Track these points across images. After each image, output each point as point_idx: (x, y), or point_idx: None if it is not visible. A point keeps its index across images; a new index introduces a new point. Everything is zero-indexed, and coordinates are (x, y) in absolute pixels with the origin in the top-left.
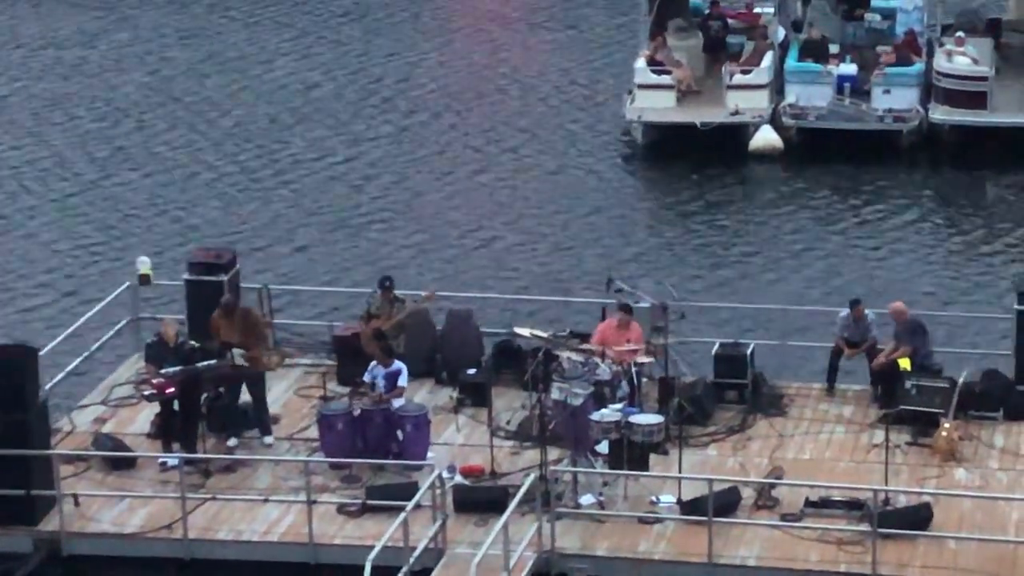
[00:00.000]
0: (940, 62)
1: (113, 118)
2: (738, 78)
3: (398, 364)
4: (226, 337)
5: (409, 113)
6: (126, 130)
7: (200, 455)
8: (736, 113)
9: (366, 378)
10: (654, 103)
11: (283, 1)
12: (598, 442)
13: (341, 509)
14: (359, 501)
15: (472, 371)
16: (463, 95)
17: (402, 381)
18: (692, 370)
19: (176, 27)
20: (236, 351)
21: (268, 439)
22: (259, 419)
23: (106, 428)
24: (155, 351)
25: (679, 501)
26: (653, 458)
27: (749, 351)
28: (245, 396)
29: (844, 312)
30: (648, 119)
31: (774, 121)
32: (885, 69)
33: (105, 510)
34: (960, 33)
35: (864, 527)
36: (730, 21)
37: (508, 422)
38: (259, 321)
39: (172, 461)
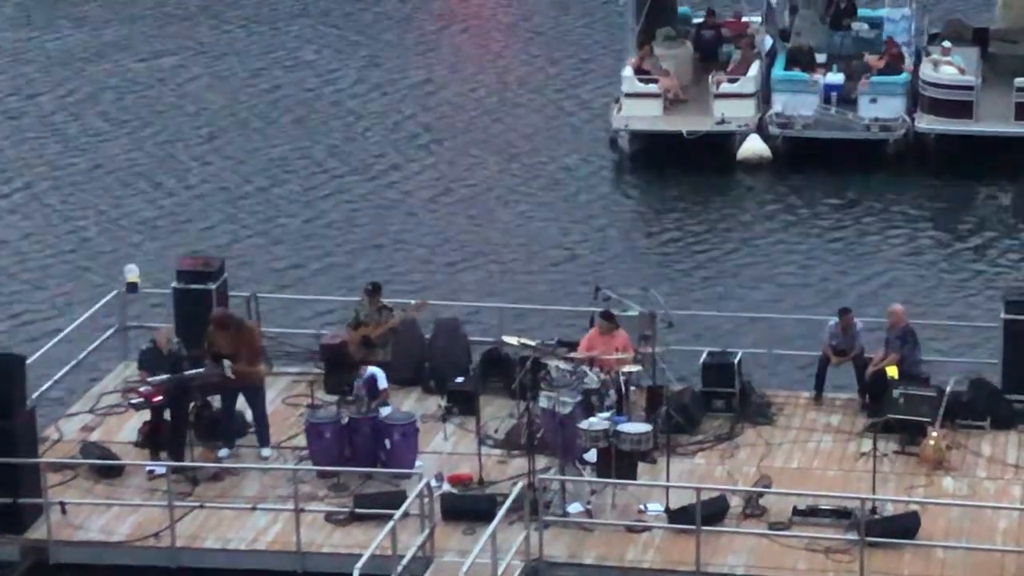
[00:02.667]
0: (926, 71)
1: (102, 126)
2: (725, 87)
3: (371, 369)
4: (220, 348)
5: (397, 123)
6: (115, 137)
7: (188, 463)
8: (722, 122)
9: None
10: (641, 112)
11: (272, 11)
12: (586, 450)
13: (329, 517)
14: (347, 509)
15: (460, 379)
16: (451, 104)
17: (381, 383)
18: (680, 379)
19: (167, 37)
20: (226, 362)
21: (266, 451)
22: (258, 431)
23: (93, 436)
24: (149, 358)
25: (667, 510)
26: (641, 467)
27: (737, 360)
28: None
29: (832, 320)
30: (635, 128)
31: (760, 130)
32: (871, 78)
33: (93, 518)
34: (947, 42)
35: (852, 536)
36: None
37: (496, 430)
38: (254, 333)
39: (160, 469)
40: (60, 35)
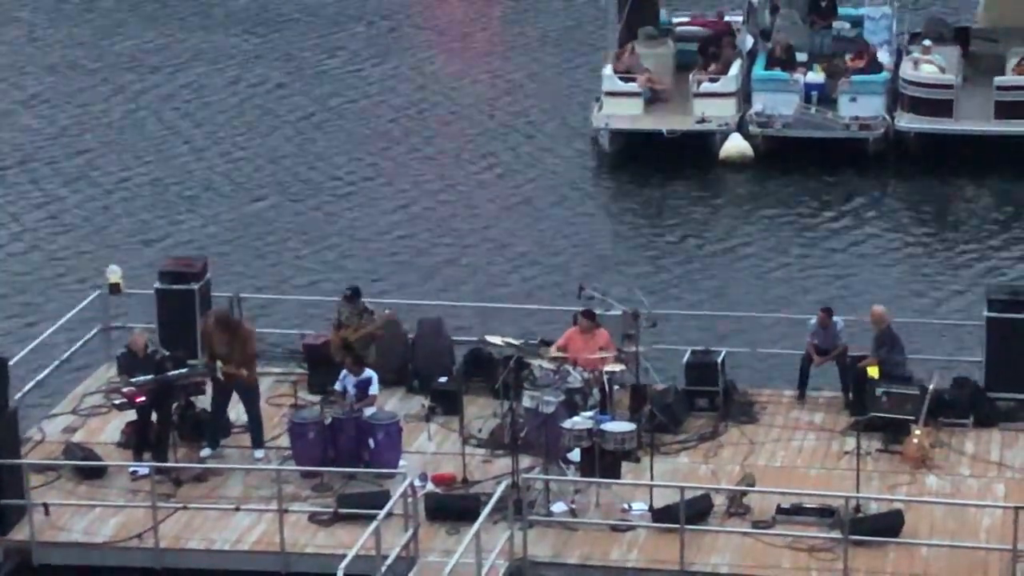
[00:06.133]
0: (907, 70)
1: (85, 126)
2: (705, 86)
3: (368, 372)
4: (216, 348)
5: (378, 122)
6: (96, 137)
7: (171, 464)
8: (703, 121)
9: (337, 387)
10: (621, 110)
11: (259, 15)
12: (570, 450)
13: (313, 518)
14: (331, 510)
15: (443, 379)
16: (432, 103)
17: (373, 389)
18: (663, 377)
19: (148, 37)
20: (218, 363)
21: (259, 453)
22: (253, 433)
23: (76, 437)
24: (126, 362)
25: (651, 509)
26: (625, 466)
27: (720, 358)
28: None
29: (814, 319)
30: (615, 126)
31: (740, 129)
32: (851, 77)
33: (76, 519)
34: (927, 41)
35: (835, 534)
36: (700, 29)
37: (480, 430)
38: (250, 337)
39: (143, 470)
40: (48, 38)
